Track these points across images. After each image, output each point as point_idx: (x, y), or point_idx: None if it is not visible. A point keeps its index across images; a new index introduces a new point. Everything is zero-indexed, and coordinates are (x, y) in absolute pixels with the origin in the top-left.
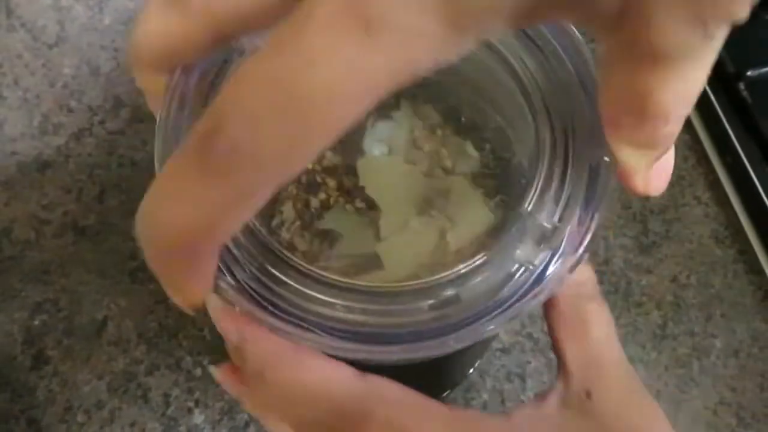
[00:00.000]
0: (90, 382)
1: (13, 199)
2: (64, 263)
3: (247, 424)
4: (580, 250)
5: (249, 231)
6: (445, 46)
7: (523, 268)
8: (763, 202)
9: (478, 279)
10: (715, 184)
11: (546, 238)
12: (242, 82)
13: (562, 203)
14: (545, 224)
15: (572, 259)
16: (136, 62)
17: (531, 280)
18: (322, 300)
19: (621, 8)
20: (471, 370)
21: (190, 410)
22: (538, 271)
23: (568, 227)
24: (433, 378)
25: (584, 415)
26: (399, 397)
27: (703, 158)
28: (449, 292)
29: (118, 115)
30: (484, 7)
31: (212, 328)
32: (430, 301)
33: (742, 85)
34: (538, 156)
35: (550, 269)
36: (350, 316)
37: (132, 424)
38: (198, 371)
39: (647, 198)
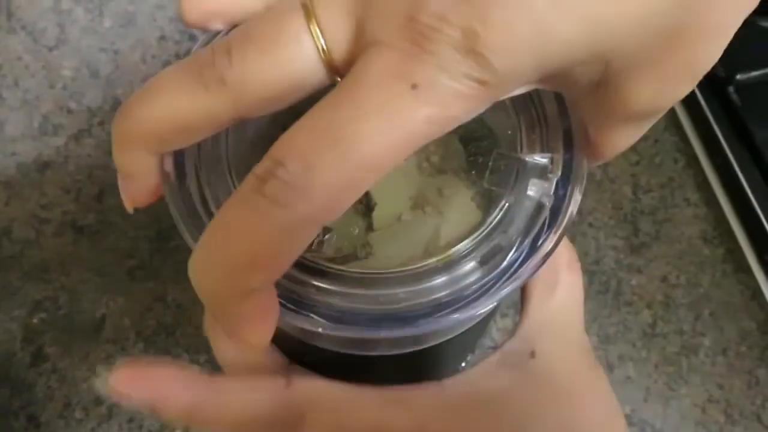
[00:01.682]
0: (88, 379)
1: (13, 199)
2: (63, 262)
3: None
4: (580, 177)
5: None
6: (476, 105)
7: (540, 206)
8: (751, 203)
9: (510, 225)
10: (704, 186)
11: (548, 169)
12: (302, 129)
13: (546, 141)
14: (542, 159)
15: (578, 186)
16: (133, 136)
17: (549, 215)
18: (315, 286)
19: (597, 82)
20: (463, 364)
21: None
22: (553, 204)
23: (561, 156)
24: (423, 372)
25: (523, 373)
26: (327, 395)
27: (693, 160)
28: (495, 240)
29: None
30: (512, 78)
31: None
32: (477, 259)
33: (731, 89)
34: (517, 113)
35: (564, 200)
36: (351, 303)
37: (129, 420)
38: (195, 369)
39: (638, 199)
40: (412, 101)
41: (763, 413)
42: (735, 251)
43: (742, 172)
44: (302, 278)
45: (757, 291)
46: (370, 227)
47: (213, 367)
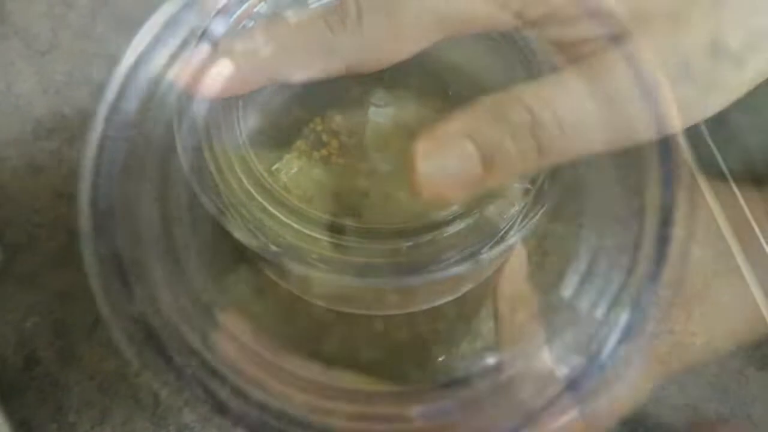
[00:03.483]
0: (81, 383)
1: (6, 204)
2: (56, 266)
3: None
4: (543, 208)
5: (254, 177)
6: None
7: (492, 225)
8: (741, 204)
9: (452, 229)
10: (694, 186)
11: (516, 198)
12: None
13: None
14: (517, 185)
15: (536, 216)
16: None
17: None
18: (304, 234)
19: None
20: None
21: (179, 409)
22: (505, 226)
23: (535, 190)
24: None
25: None
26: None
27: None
28: (426, 236)
29: None
30: None
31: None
32: (409, 243)
33: None
34: None
35: (517, 224)
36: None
37: (123, 424)
38: (188, 371)
39: None
40: None
41: (754, 412)
42: (724, 251)
43: (730, 173)
44: (296, 227)
45: (747, 291)
46: (366, 194)
47: (206, 370)
